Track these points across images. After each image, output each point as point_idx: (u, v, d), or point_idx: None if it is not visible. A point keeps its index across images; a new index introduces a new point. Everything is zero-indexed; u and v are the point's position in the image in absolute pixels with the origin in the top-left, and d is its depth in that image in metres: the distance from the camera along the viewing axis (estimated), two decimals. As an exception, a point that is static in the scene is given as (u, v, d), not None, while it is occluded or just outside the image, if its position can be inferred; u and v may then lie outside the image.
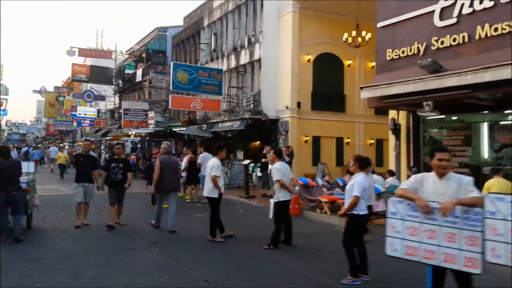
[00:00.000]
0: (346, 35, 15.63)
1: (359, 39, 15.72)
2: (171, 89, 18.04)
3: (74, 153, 13.58)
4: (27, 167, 8.40)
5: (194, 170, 12.77)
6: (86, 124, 38.52)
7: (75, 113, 37.02)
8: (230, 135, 19.58)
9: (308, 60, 18.12)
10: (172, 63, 18.30)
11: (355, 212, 5.07)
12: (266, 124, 17.79)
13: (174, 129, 24.37)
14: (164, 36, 31.86)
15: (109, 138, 34.66)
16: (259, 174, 17.17)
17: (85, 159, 8.45)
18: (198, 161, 12.99)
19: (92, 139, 41.23)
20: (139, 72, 32.88)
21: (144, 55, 33.03)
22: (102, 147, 33.33)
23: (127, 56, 37.90)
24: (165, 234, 7.80)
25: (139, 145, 23.41)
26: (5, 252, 6.20)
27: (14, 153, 20.54)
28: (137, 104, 28.65)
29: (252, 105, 18.69)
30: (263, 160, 13.38)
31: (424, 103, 9.72)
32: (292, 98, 17.49)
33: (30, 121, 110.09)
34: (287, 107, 17.49)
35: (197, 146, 23.63)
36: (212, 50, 22.64)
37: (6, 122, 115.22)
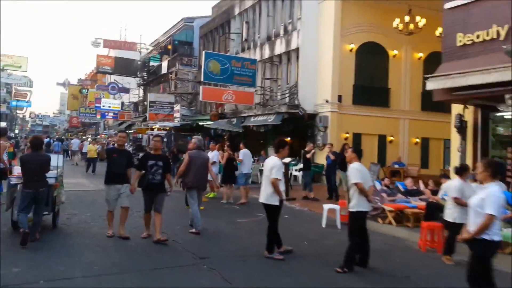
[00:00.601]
0: (397, 21, 14.10)
1: (411, 26, 14.18)
2: (202, 79, 16.89)
3: (105, 147, 12.40)
4: (56, 160, 7.50)
5: (231, 168, 11.58)
6: (110, 116, 37.94)
7: (99, 105, 36.43)
8: (262, 131, 18.31)
9: (350, 50, 16.65)
10: (204, 52, 17.13)
11: (487, 237, 3.73)
12: (303, 119, 16.45)
13: (201, 123, 23.28)
14: (191, 27, 30.77)
15: (132, 131, 33.93)
16: (295, 173, 15.92)
17: (119, 155, 6.90)
18: (240, 157, 11.83)
19: (116, 132, 40.72)
20: (165, 64, 31.95)
21: (169, 47, 32.09)
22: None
23: (152, 48, 37.04)
24: (211, 245, 6.61)
25: (165, 139, 22.36)
26: (23, 266, 5.12)
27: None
28: (163, 97, 27.69)
29: (287, 99, 17.38)
30: (307, 156, 12.07)
31: (507, 96, 8.23)
32: (332, 91, 16.09)
33: (53, 113, 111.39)
34: (327, 101, 16.10)
35: (225, 142, 22.52)
36: (243, 39, 21.38)
37: (30, 114, 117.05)
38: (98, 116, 40.54)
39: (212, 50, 26.03)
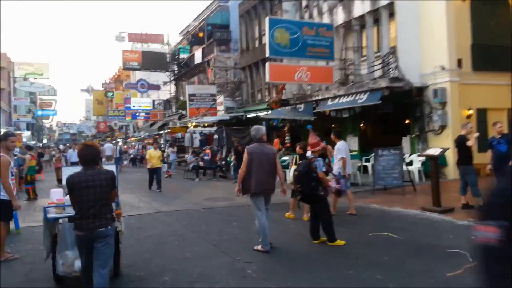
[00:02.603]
0: None
1: None
2: (267, 55, 12.94)
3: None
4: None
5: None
6: (141, 117, 34.60)
7: (128, 105, 33.10)
8: (346, 116, 14.22)
9: (463, 0, 12.37)
10: (267, 19, 13.09)
11: None
12: (411, 95, 12.31)
13: (256, 114, 19.43)
14: (226, 7, 26.92)
15: (166, 131, 30.45)
16: (409, 168, 11.79)
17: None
18: (339, 154, 8.01)
19: (147, 133, 37.45)
20: (198, 54, 28.28)
21: (201, 34, 28.39)
22: (162, 142, 29.16)
23: (182, 38, 33.39)
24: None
25: (215, 136, 18.65)
26: None
27: (75, 153, 16.26)
28: (203, 88, 23.97)
29: (380, 71, 13.26)
30: (468, 143, 7.92)
31: None
32: (450, 54, 11.88)
33: (80, 120, 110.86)
34: (443, 68, 11.89)
35: (285, 135, 18.60)
36: (302, 8, 17.30)
37: (57, 122, 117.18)
38: (128, 118, 37.27)
39: (255, 30, 22.11)
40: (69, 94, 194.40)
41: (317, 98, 15.24)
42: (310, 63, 14.28)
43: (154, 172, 13.21)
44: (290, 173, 8.38)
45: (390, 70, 12.98)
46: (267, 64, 13.16)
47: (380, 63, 13.37)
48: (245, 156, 5.79)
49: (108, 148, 23.32)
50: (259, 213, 5.74)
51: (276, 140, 17.93)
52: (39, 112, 66.34)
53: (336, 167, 8.29)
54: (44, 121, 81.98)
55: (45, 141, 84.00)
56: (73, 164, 15.68)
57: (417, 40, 12.56)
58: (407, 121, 13.85)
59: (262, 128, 6.08)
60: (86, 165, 3.78)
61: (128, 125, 48.60)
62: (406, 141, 13.58)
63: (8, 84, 51.98)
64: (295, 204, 8.06)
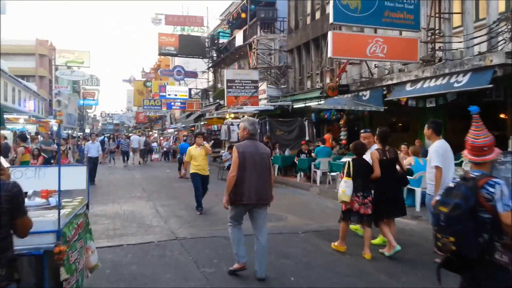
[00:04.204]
0: None
1: None
2: (331, 20, 9.60)
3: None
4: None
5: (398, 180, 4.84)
6: (177, 107, 32.17)
7: (163, 93, 30.73)
8: (431, 105, 10.61)
9: None
10: (331, -28, 9.73)
11: None
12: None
13: (305, 104, 16.16)
14: (272, -18, 23.75)
15: (202, 123, 27.78)
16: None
17: None
18: (434, 165, 5.01)
19: (183, 125, 35.10)
20: (239, 36, 25.31)
21: (244, 15, 25.39)
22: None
23: (221, 20, 30.52)
24: None
25: (257, 128, 15.58)
26: None
27: (95, 146, 13.56)
28: (243, 73, 20.93)
29: (486, 45, 9.58)
30: None
31: None
32: None
33: (121, 111, 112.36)
34: None
35: (340, 129, 15.21)
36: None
37: (101, 113, 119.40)
38: (164, 109, 35.06)
39: (309, 2, 18.72)
40: (112, 84, 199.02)
41: (390, 82, 11.72)
42: (386, 33, 10.79)
43: (201, 182, 8.41)
44: (341, 187, 5.48)
45: (500, 43, 9.31)
46: (329, 33, 9.79)
47: (485, 34, 9.67)
48: (235, 155, 4.58)
49: (135, 140, 21.31)
50: (234, 225, 4.67)
51: (328, 136, 14.60)
52: (81, 102, 66.72)
53: (429, 182, 5.23)
54: (88, 110, 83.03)
55: (87, 130, 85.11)
56: (91, 159, 13.07)
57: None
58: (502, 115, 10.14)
59: (256, 122, 4.95)
60: None
61: (165, 116, 46.74)
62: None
63: (49, 72, 51.77)
64: (346, 231, 5.59)
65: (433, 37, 10.84)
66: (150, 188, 12.16)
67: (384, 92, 12.06)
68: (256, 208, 4.59)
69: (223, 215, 7.17)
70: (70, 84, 58.46)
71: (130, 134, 30.43)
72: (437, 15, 10.89)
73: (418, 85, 10.69)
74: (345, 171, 5.51)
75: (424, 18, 10.95)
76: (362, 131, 6.67)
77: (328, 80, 15.71)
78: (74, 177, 3.93)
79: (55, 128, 24.05)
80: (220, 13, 31.60)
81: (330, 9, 9.68)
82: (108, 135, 28.79)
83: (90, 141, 13.65)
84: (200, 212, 8.15)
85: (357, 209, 5.34)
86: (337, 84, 13.43)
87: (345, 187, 5.37)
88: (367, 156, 5.66)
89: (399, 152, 10.67)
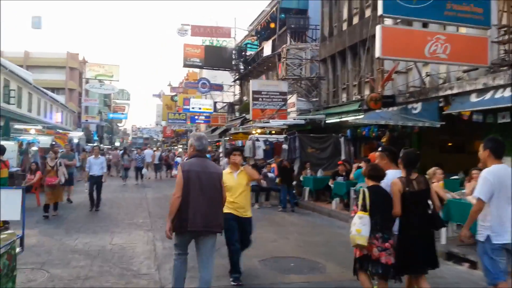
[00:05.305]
0: None
1: None
2: (381, 12, 7.64)
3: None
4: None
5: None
6: (201, 121, 30.73)
7: (187, 107, 29.40)
8: (506, 121, 8.41)
9: None
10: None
11: None
12: None
13: (340, 119, 14.12)
14: (304, -11, 22.11)
15: (227, 138, 26.11)
16: None
17: None
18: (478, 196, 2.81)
19: (208, 140, 33.60)
20: (268, 47, 23.72)
21: (273, 25, 23.83)
22: (221, 149, 24.84)
23: (248, 33, 29.11)
24: None
25: (285, 146, 13.58)
26: None
27: (98, 162, 11.49)
28: (271, 84, 19.18)
29: None
30: None
31: None
32: None
33: (150, 125, 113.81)
34: None
35: (373, 146, 13.03)
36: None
37: (132, 126, 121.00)
38: (188, 123, 33.75)
39: (346, 8, 16.85)
40: (142, 99, 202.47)
41: (448, 92, 9.56)
42: (449, 29, 8.72)
43: (239, 229, 5.17)
44: (354, 225, 3.96)
45: None
46: (378, 27, 7.80)
47: None
48: (179, 175, 3.94)
49: (148, 154, 20.02)
50: (178, 256, 4.05)
51: (374, 155, 12.42)
52: (111, 115, 67.19)
53: (481, 223, 3.72)
54: (118, 124, 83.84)
55: (117, 144, 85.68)
56: (93, 178, 11.03)
57: None
58: None
59: (205, 137, 4.29)
60: None
61: (191, 130, 45.63)
62: None
63: (79, 85, 52.00)
64: (370, 283, 4.05)
65: (506, 36, 8.68)
66: (157, 212, 10.38)
67: (441, 105, 9.90)
68: (203, 236, 3.96)
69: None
70: (100, 98, 58.77)
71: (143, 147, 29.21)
72: (511, 9, 8.77)
73: (488, 95, 8.51)
74: (360, 202, 4.01)
75: (496, 13, 8.81)
76: (379, 149, 4.80)
77: (367, 92, 13.66)
78: (5, 203, 3.12)
79: (75, 141, 22.98)
80: (248, 24, 30.26)
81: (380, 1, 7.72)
82: (122, 149, 27.55)
83: (93, 156, 11.46)
84: (237, 283, 4.97)
85: (376, 256, 3.82)
86: (381, 95, 11.37)
87: (360, 225, 3.86)
88: (386, 186, 4.15)
89: (466, 180, 8.49)
